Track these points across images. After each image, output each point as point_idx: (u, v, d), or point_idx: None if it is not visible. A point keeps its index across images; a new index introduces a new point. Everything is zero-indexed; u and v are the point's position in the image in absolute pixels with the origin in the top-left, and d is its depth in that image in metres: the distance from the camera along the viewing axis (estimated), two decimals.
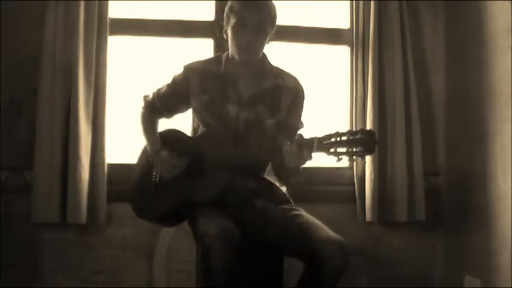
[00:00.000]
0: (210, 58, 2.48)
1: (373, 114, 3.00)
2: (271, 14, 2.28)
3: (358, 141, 1.98)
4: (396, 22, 3.03)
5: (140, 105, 2.49)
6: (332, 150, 2.02)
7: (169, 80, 2.44)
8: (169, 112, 2.48)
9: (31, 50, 2.85)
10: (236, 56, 2.30)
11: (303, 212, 2.33)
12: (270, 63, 2.40)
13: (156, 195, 2.38)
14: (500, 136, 2.74)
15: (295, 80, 2.41)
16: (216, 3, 3.09)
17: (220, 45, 3.02)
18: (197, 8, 3.11)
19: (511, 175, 2.66)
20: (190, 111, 2.46)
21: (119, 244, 2.95)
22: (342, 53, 3.21)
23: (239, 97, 2.34)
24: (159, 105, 2.45)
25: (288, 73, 2.42)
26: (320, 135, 2.06)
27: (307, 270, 2.18)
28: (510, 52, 2.67)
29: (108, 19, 2.88)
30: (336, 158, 2.03)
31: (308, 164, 2.16)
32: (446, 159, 3.21)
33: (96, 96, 2.85)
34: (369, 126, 2.99)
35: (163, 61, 3.05)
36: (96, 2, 2.84)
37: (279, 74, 2.40)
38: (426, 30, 3.22)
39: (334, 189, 3.11)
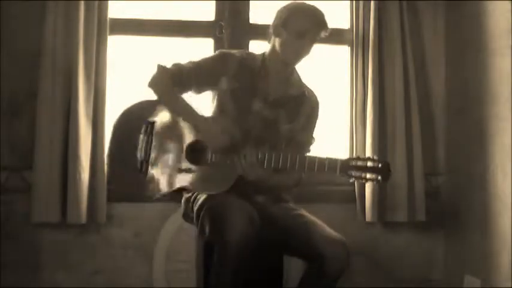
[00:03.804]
0: (247, 52, 2.56)
1: (373, 114, 3.00)
2: (328, 29, 2.35)
3: (377, 170, 2.16)
4: (396, 22, 3.03)
5: (154, 71, 2.38)
6: (353, 174, 2.18)
7: (198, 59, 2.41)
8: (191, 88, 2.39)
9: (31, 50, 2.85)
10: (286, 59, 2.35)
11: (304, 212, 2.34)
12: (297, 73, 2.47)
13: (147, 175, 2.31)
14: (500, 136, 2.74)
15: (315, 96, 2.51)
16: (216, 3, 3.09)
17: (220, 45, 3.02)
18: (197, 8, 3.11)
19: (511, 175, 2.66)
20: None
21: (119, 244, 2.95)
22: (342, 53, 3.21)
23: (266, 96, 2.38)
24: (183, 79, 2.37)
25: (310, 88, 2.51)
26: (342, 158, 2.20)
27: (309, 269, 2.19)
28: (510, 52, 2.67)
29: (108, 19, 2.88)
30: (352, 179, 2.19)
31: None
32: (446, 159, 3.21)
33: (96, 96, 2.85)
34: (369, 126, 3.00)
35: (164, 61, 3.04)
36: (96, 2, 2.84)
37: (304, 86, 2.49)
38: (426, 30, 3.22)
39: (334, 189, 3.10)
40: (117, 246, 2.94)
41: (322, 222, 2.27)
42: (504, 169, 2.72)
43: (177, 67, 2.39)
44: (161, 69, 2.38)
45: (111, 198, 2.87)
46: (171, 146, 2.33)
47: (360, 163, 2.17)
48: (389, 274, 3.15)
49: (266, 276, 2.45)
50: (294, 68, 2.44)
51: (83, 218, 2.79)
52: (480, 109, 2.90)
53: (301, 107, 2.44)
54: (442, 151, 3.23)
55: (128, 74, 3.05)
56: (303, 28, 2.30)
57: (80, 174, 2.77)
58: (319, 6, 2.38)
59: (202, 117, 2.32)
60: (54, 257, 2.90)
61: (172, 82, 2.36)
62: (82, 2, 2.81)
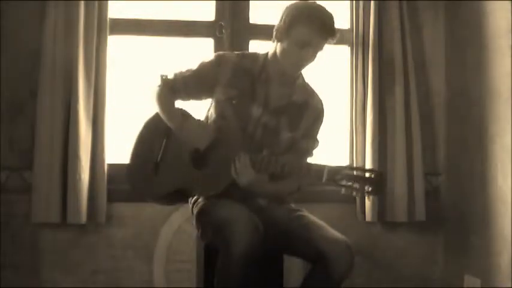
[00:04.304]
0: (246, 53, 2.46)
1: (373, 114, 3.00)
2: (336, 35, 2.23)
3: (369, 180, 2.03)
4: (396, 22, 3.02)
5: (157, 83, 2.39)
6: (343, 183, 2.06)
7: (195, 65, 2.38)
8: (189, 96, 2.39)
9: (31, 50, 2.85)
10: (286, 68, 2.26)
11: (306, 213, 2.33)
12: (303, 78, 2.38)
13: (157, 175, 2.33)
14: (500, 136, 2.74)
15: (320, 101, 2.40)
16: (216, 3, 3.09)
17: (220, 45, 3.02)
18: (197, 8, 3.11)
19: (511, 175, 2.66)
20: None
21: (119, 244, 2.94)
22: (342, 53, 3.20)
23: (266, 102, 2.31)
24: (180, 87, 2.36)
25: (315, 92, 2.41)
26: (331, 165, 2.10)
27: (312, 270, 2.18)
28: (510, 52, 2.67)
29: (108, 19, 2.88)
30: (342, 190, 2.09)
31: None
32: (446, 159, 3.21)
33: (96, 96, 2.85)
34: (368, 126, 3.00)
35: (164, 61, 3.05)
36: (96, 2, 2.84)
37: (309, 91, 2.39)
38: (426, 30, 3.22)
39: (334, 189, 3.08)
40: (117, 246, 2.94)
41: (325, 223, 2.26)
42: (504, 169, 2.72)
43: (176, 77, 2.38)
44: (162, 80, 2.38)
45: (111, 198, 2.87)
46: (181, 150, 2.31)
47: (350, 172, 2.05)
48: (389, 274, 3.15)
49: (266, 276, 2.44)
50: (300, 73, 2.35)
51: (83, 218, 2.80)
52: (480, 109, 2.90)
53: (305, 114, 2.35)
54: (442, 151, 3.22)
55: (128, 74, 3.05)
56: (307, 37, 2.16)
57: (80, 174, 2.77)
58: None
59: (181, 122, 2.28)
60: (54, 257, 2.90)
61: (172, 93, 2.36)
62: (82, 2, 2.81)
